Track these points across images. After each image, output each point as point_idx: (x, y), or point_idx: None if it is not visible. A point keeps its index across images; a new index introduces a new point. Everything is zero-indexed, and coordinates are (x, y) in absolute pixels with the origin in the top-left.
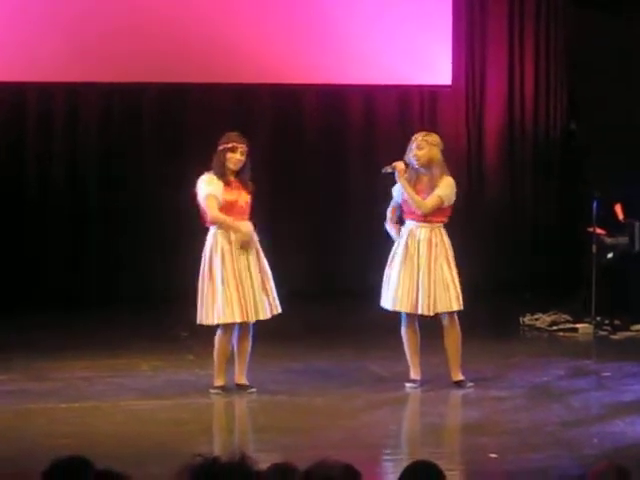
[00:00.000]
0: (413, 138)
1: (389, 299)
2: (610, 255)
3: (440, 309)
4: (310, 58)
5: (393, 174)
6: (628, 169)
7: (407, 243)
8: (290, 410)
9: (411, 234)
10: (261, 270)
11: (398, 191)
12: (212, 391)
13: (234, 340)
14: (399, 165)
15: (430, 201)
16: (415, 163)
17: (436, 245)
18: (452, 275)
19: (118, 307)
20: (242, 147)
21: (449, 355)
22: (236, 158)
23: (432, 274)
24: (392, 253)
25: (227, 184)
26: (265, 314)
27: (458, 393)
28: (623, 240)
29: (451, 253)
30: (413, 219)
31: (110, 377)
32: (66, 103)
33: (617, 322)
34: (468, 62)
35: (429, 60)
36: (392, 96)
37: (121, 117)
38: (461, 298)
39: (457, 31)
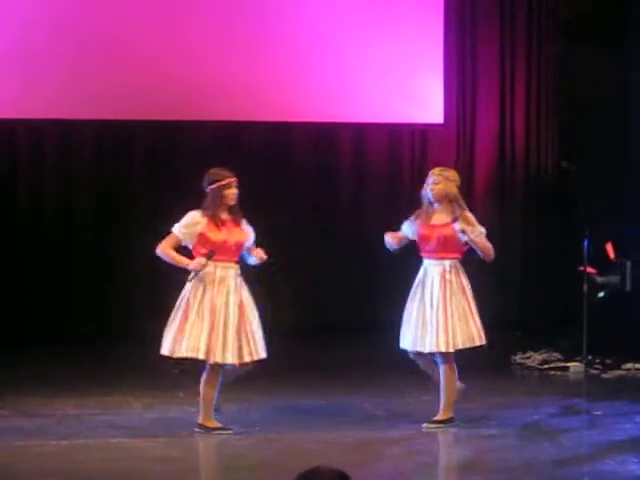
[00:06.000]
0: (430, 172)
1: (404, 339)
2: (601, 294)
3: (461, 345)
4: (302, 96)
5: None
6: (619, 208)
7: (424, 281)
8: (279, 448)
9: (426, 272)
10: (242, 313)
11: (409, 228)
12: (213, 432)
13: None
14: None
15: (488, 243)
16: (431, 197)
17: (450, 281)
18: (471, 310)
19: (108, 343)
20: (235, 181)
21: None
22: (233, 193)
23: (448, 311)
24: (412, 290)
25: (218, 224)
26: (233, 358)
27: (450, 432)
28: (614, 279)
29: (468, 287)
30: (427, 256)
31: (100, 414)
32: (58, 140)
33: (608, 361)
34: (459, 100)
35: (421, 99)
36: (383, 134)
37: (112, 154)
38: (483, 333)
39: (449, 70)
